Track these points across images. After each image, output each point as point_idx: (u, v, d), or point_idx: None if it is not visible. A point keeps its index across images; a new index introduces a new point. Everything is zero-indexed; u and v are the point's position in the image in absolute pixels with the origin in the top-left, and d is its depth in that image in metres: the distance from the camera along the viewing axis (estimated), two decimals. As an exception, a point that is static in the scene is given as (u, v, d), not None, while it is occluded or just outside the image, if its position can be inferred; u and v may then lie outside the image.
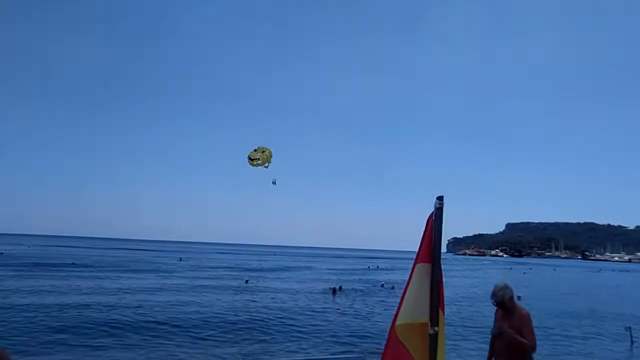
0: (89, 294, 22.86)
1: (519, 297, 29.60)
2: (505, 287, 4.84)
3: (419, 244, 2.85)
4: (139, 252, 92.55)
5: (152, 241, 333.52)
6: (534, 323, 4.78)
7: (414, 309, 2.78)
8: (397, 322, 2.80)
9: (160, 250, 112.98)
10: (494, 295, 4.85)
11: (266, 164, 12.13)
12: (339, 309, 21.00)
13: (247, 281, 34.74)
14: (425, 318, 2.75)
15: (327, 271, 54.25)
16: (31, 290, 23.31)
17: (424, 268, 2.80)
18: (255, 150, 12.27)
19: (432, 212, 2.82)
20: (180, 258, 72.88)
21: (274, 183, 12.97)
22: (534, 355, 4.82)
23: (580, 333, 17.60)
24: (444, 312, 2.78)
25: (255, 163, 12.10)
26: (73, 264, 45.83)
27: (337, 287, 30.80)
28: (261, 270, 50.63)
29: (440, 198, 2.82)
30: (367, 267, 69.16)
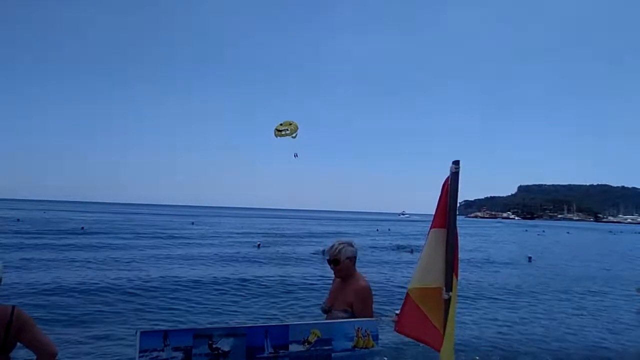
0: (89, 260, 22.85)
1: (529, 259, 29.96)
2: (348, 245, 3.90)
3: (435, 208, 2.82)
4: (151, 217, 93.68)
5: (164, 205, 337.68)
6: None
7: (428, 274, 2.78)
8: (411, 286, 2.82)
9: (172, 214, 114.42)
10: (330, 248, 3.95)
11: (294, 134, 12.32)
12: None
13: (259, 245, 35.24)
14: (438, 283, 2.75)
15: (331, 234, 53.57)
16: (33, 257, 22.85)
17: (438, 233, 2.78)
18: (281, 124, 12.49)
19: (448, 177, 2.77)
20: (193, 222, 73.76)
21: (295, 156, 13.15)
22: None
23: (593, 294, 17.61)
24: (457, 278, 2.77)
25: (283, 134, 12.29)
26: (82, 228, 46.24)
27: (325, 250, 30.86)
28: (272, 234, 51.02)
29: (456, 162, 2.74)
30: (376, 229, 69.17)
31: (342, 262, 3.82)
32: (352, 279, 3.83)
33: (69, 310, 11.99)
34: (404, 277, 19.64)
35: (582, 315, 13.92)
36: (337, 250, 3.84)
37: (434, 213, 2.83)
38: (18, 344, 2.78)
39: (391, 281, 18.35)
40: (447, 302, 2.72)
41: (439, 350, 2.73)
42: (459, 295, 2.86)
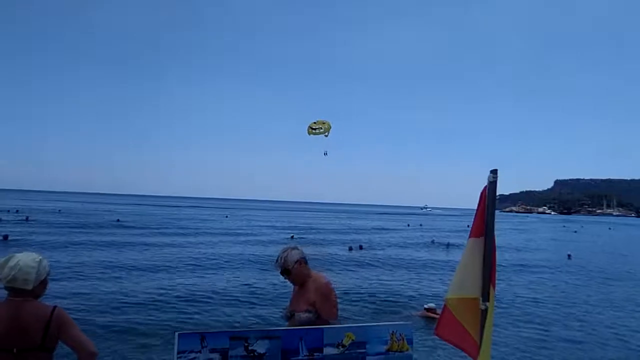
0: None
1: (569, 256, 28.95)
2: (292, 249, 3.82)
3: (473, 217, 2.77)
4: (186, 209, 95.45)
5: (199, 198, 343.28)
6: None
7: (465, 284, 2.74)
8: (448, 295, 2.79)
9: (205, 207, 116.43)
10: (277, 261, 3.85)
11: (326, 133, 12.68)
12: (352, 269, 20.27)
13: (292, 237, 35.64)
14: (475, 293, 2.71)
15: (357, 229, 52.77)
16: (71, 255, 22.68)
17: (476, 243, 2.73)
18: (315, 123, 12.85)
19: (485, 186, 2.70)
20: (227, 215, 74.89)
21: (325, 154, 13.57)
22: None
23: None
24: (494, 288, 2.71)
25: (317, 132, 12.65)
26: (118, 220, 46.74)
27: (353, 246, 30.26)
28: (303, 227, 51.18)
29: (494, 171, 2.67)
30: (407, 224, 67.86)
31: (292, 269, 3.77)
32: (310, 280, 3.80)
33: (107, 312, 12.13)
34: (438, 280, 18.89)
35: (628, 328, 12.63)
36: (282, 260, 3.79)
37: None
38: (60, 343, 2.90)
39: (424, 284, 17.55)
40: (484, 312, 2.67)
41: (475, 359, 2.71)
42: (496, 302, 2.82)
